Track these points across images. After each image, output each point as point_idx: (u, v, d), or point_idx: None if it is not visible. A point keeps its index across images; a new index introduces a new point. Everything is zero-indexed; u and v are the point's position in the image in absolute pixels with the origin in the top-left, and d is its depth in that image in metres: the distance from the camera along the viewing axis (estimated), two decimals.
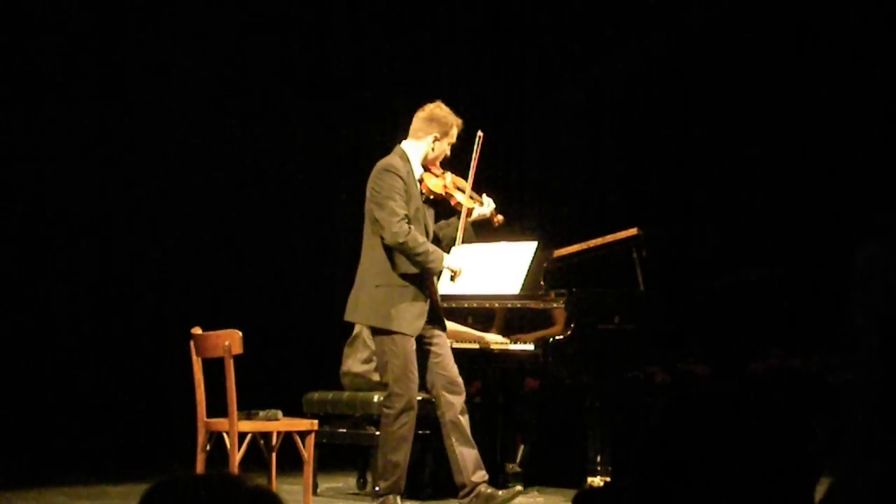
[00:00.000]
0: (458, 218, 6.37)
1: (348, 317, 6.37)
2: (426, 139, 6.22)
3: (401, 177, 6.12)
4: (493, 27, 9.85)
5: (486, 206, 6.42)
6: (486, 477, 6.21)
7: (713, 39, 9.17)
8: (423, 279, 6.13)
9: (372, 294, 6.19)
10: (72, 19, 8.78)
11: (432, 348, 6.21)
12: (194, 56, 9.18)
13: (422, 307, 6.13)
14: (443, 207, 6.44)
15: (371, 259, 6.20)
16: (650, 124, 9.46)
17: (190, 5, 9.16)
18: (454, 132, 6.24)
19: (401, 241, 6.04)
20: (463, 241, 6.37)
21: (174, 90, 9.09)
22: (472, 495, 6.17)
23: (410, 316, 6.11)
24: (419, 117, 6.25)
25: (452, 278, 6.21)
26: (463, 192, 6.33)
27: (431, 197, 6.26)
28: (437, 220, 6.41)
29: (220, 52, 9.27)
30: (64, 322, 8.72)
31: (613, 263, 7.16)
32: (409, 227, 6.06)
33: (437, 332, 6.24)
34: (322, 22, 9.63)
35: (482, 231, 6.68)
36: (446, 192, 6.27)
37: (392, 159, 6.20)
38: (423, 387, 6.48)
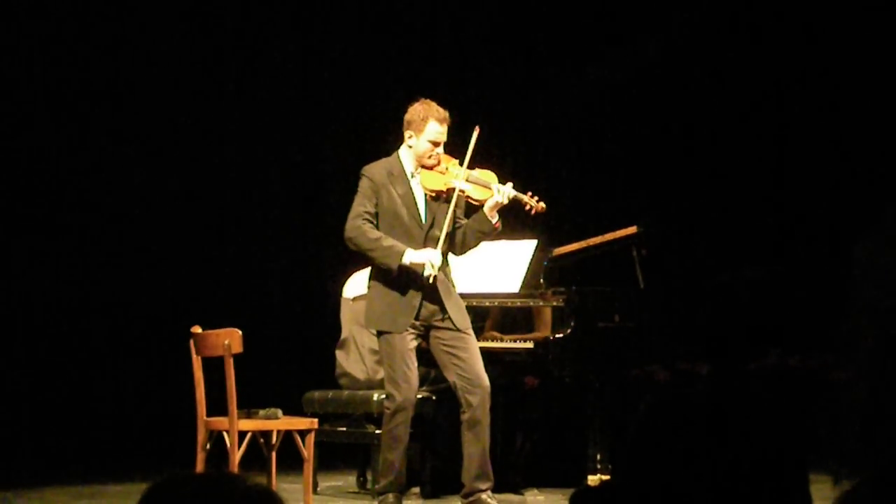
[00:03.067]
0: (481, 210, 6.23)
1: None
2: (406, 140, 6.25)
3: (370, 178, 6.17)
4: (492, 23, 9.85)
5: (499, 195, 6.13)
6: (490, 485, 6.17)
7: (714, 38, 9.16)
8: (407, 276, 6.11)
9: (368, 296, 6.28)
10: (68, 18, 8.78)
11: (453, 351, 6.18)
12: (193, 55, 9.18)
13: (407, 304, 6.10)
14: (470, 205, 6.35)
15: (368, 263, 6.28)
16: (651, 122, 9.45)
17: (185, 5, 9.17)
18: (430, 127, 6.16)
19: (350, 235, 6.12)
20: (479, 231, 6.22)
21: (175, 89, 9.09)
22: (470, 499, 6.17)
23: (393, 313, 6.11)
24: (404, 118, 6.27)
25: (428, 275, 6.07)
26: (474, 184, 6.24)
27: (433, 194, 6.24)
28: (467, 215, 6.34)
29: (220, 52, 9.27)
30: (63, 321, 8.71)
31: (613, 261, 7.16)
32: (362, 223, 6.08)
33: (461, 334, 6.18)
34: (322, 17, 9.64)
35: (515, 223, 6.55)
36: (447, 188, 6.22)
37: (373, 163, 6.26)
38: (421, 385, 6.47)
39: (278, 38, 9.49)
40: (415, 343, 6.17)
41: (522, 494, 6.95)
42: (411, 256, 6.06)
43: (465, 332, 6.20)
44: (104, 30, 8.92)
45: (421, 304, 6.12)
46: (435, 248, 6.10)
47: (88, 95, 8.84)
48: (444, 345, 6.18)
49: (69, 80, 8.77)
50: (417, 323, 6.15)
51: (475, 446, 6.13)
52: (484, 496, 6.13)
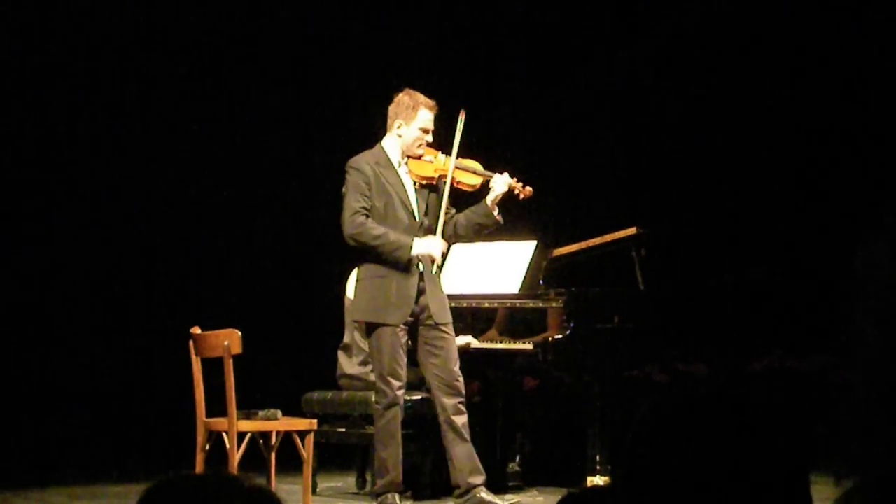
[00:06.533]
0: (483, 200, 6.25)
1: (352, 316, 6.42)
2: (394, 128, 6.23)
3: (362, 171, 6.13)
4: (491, 23, 9.84)
5: (499, 185, 6.21)
6: (484, 479, 6.17)
7: (713, 37, 9.16)
8: (404, 270, 6.10)
9: (357, 288, 6.24)
10: (67, 18, 8.79)
11: (432, 349, 6.18)
12: (192, 54, 9.17)
13: (405, 297, 6.09)
14: (464, 194, 6.36)
15: (360, 255, 6.24)
16: (650, 122, 9.45)
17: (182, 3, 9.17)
18: (422, 115, 6.18)
19: (352, 232, 6.08)
20: (479, 224, 6.24)
21: (173, 89, 9.09)
22: (466, 497, 6.15)
23: (391, 306, 6.09)
24: (389, 109, 6.27)
25: (433, 264, 6.09)
26: (464, 170, 6.27)
27: (424, 182, 6.24)
28: (460, 206, 6.34)
29: (219, 51, 9.27)
30: (63, 321, 8.71)
31: (613, 263, 7.16)
32: (363, 220, 6.06)
33: (440, 333, 6.19)
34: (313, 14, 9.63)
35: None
36: (439, 175, 6.22)
37: (358, 155, 6.22)
38: (420, 386, 6.46)
39: (276, 39, 9.49)
40: (406, 338, 6.15)
41: (522, 495, 6.94)
42: (419, 248, 6.05)
43: (444, 330, 6.19)
44: (103, 28, 8.92)
45: (417, 299, 6.12)
46: (434, 237, 6.11)
47: (88, 95, 8.84)
48: (426, 343, 6.18)
49: (69, 80, 8.77)
50: (410, 318, 6.14)
51: (460, 445, 6.13)
52: (481, 493, 6.12)
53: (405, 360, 6.15)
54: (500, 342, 6.90)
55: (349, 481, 7.36)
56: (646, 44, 9.39)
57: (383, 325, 6.09)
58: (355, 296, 6.29)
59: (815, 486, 1.99)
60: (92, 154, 8.88)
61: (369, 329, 6.20)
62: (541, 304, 6.83)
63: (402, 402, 6.13)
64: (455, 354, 6.22)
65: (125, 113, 9.00)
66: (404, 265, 6.06)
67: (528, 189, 6.28)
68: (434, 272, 6.11)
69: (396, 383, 6.09)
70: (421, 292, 6.13)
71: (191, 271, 9.11)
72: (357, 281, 6.26)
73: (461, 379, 6.19)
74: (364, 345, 6.92)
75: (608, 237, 7.09)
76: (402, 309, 6.09)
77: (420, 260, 6.09)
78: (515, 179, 6.25)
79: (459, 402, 6.16)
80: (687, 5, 9.28)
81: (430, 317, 6.15)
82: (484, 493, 6.14)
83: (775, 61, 9.02)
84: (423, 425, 6.70)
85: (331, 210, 9.27)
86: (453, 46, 9.75)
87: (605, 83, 9.57)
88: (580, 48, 9.66)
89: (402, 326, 6.11)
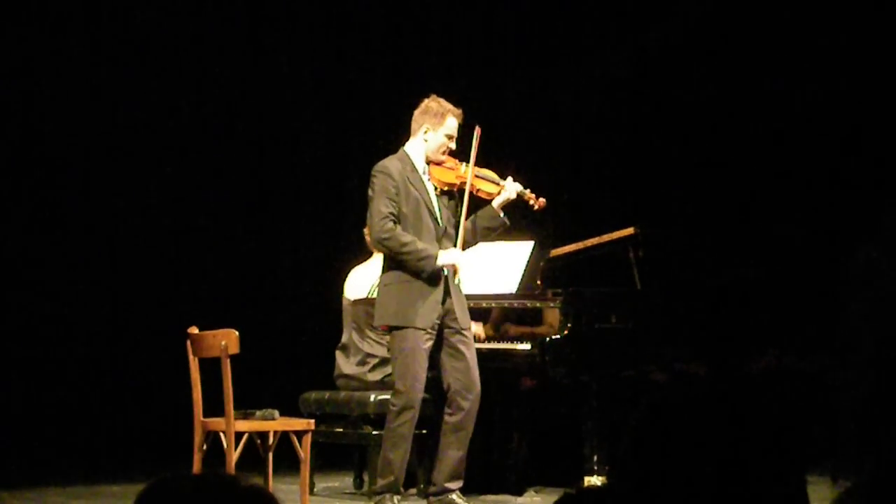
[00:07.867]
0: (489, 205, 6.30)
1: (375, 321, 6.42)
2: (419, 133, 6.23)
3: (390, 176, 6.12)
4: (489, 21, 9.84)
5: (509, 190, 6.26)
6: (460, 485, 6.21)
7: (712, 36, 9.16)
8: (431, 275, 6.11)
9: (382, 293, 6.23)
10: (68, 17, 8.78)
11: (455, 353, 6.18)
12: (194, 52, 9.17)
13: (433, 302, 6.09)
14: (474, 200, 6.37)
15: (383, 261, 6.25)
16: (649, 122, 9.44)
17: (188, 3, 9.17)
18: (449, 122, 6.20)
19: (381, 237, 6.08)
20: (487, 228, 6.31)
21: (174, 88, 9.08)
22: (440, 497, 6.18)
23: (421, 310, 6.08)
24: (414, 114, 6.27)
25: (455, 275, 6.17)
26: (483, 179, 6.29)
27: (445, 188, 6.25)
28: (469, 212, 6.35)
29: (223, 50, 9.26)
30: (61, 321, 8.70)
31: (610, 263, 7.15)
32: (393, 226, 6.06)
33: (463, 337, 6.20)
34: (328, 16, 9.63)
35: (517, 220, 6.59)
36: (460, 182, 6.23)
37: (385, 160, 6.21)
38: (426, 388, 6.46)
39: (274, 38, 9.48)
40: (430, 344, 6.14)
41: (519, 495, 6.94)
42: (443, 259, 6.08)
43: (467, 334, 6.21)
44: (105, 27, 8.92)
45: (444, 302, 6.13)
46: (453, 246, 6.13)
47: (88, 94, 8.84)
48: (448, 346, 6.18)
49: (69, 80, 8.76)
50: (437, 322, 6.14)
51: (456, 450, 6.15)
52: (453, 496, 6.16)
53: (427, 364, 6.15)
54: (498, 342, 6.90)
55: (346, 481, 7.37)
56: (645, 42, 9.39)
57: (410, 327, 6.08)
58: (379, 300, 6.27)
59: (813, 487, 1.99)
60: (91, 153, 8.88)
61: (395, 330, 6.18)
62: (538, 304, 6.83)
63: (419, 405, 6.12)
64: (475, 361, 6.23)
65: (126, 112, 8.99)
66: (428, 274, 6.07)
67: (542, 200, 6.33)
68: (456, 282, 6.14)
69: (418, 386, 6.09)
70: (447, 295, 6.15)
71: (189, 271, 9.10)
72: (381, 286, 6.25)
73: (479, 386, 6.20)
74: (362, 345, 6.93)
75: (606, 237, 7.09)
76: (431, 313, 6.10)
77: (444, 268, 6.12)
78: (529, 190, 6.27)
79: (476, 410, 6.17)
80: (686, 4, 9.27)
81: (454, 320, 6.17)
82: (456, 497, 6.17)
83: (774, 60, 9.01)
84: (421, 425, 6.69)
85: (330, 210, 9.32)
86: (448, 48, 9.75)
87: (602, 82, 9.57)
88: (579, 47, 9.66)
89: (428, 331, 6.11)
